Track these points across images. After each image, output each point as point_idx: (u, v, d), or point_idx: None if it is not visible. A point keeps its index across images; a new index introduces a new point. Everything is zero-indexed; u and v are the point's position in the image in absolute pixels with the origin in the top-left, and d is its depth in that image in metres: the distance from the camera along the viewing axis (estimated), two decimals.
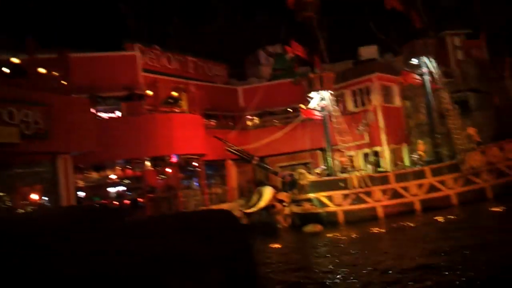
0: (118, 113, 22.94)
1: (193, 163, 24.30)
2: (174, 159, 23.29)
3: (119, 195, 21.85)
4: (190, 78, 27.13)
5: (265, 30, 39.50)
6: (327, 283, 10.52)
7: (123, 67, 23.86)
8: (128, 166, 22.30)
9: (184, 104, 25.37)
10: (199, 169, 24.76)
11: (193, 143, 23.63)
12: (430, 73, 25.58)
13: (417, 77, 25.70)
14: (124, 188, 22.16)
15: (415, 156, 25.55)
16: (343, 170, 23.62)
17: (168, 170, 23.36)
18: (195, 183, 24.91)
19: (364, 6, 36.10)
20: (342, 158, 24.24)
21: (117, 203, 20.69)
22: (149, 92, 24.06)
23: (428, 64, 25.55)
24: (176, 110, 24.66)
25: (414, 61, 25.91)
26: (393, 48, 31.88)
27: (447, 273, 9.78)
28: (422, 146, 25.53)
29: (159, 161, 23.14)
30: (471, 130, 25.33)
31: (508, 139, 24.67)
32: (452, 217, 18.66)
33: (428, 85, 25.71)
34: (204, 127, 25.06)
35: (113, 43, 26.44)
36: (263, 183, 26.14)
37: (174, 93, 25.20)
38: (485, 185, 22.86)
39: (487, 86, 29.41)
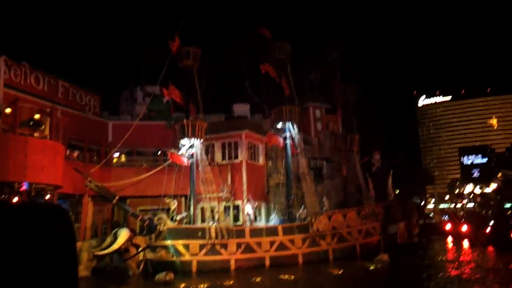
0: None
1: (46, 195, 22.46)
2: (24, 187, 21.29)
3: None
4: (58, 103, 25.53)
5: (145, 68, 39.40)
6: None
7: None
8: None
9: (46, 129, 23.65)
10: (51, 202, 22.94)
11: (49, 172, 21.96)
12: (292, 138, 28.02)
13: (281, 140, 27.92)
14: None
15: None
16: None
17: (15, 199, 21.16)
18: None
19: (242, 65, 38.45)
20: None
21: None
22: (7, 110, 22.11)
23: (291, 130, 28.01)
24: (36, 135, 22.88)
25: (280, 124, 28.22)
26: (263, 109, 34.35)
27: None
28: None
29: (6, 187, 20.89)
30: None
31: (351, 207, 27.90)
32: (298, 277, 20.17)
33: (289, 148, 28.06)
34: (65, 157, 23.57)
35: None
36: (120, 225, 25.19)
37: (37, 116, 23.47)
38: (328, 248, 25.24)
39: (338, 157, 33.12)
